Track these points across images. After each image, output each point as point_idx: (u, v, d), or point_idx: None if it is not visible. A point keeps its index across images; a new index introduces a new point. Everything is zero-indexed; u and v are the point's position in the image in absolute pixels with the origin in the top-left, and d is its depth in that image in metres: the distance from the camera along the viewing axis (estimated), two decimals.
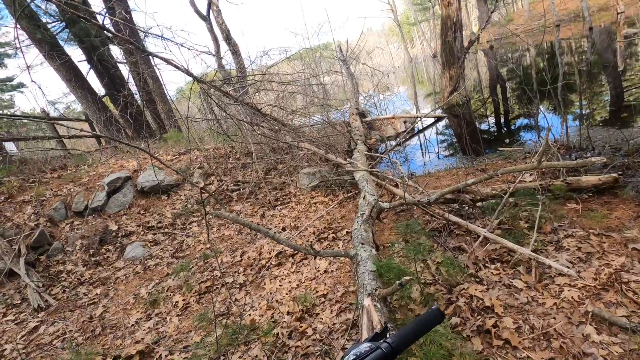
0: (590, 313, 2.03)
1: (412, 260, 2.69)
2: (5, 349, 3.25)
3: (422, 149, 7.27)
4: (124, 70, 11.37)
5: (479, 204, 3.57)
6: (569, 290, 2.24)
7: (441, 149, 7.08)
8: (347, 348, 2.34)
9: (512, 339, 2.02)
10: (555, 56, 13.00)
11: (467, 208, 3.68)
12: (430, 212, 3.29)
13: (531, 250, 2.53)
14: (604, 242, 2.59)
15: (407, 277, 1.75)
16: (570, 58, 11.95)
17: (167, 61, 4.07)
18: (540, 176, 3.76)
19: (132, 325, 3.25)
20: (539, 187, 3.06)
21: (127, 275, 4.24)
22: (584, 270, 2.36)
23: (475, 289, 2.42)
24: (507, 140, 6.21)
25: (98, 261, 4.64)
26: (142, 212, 5.76)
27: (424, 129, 8.68)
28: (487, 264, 2.69)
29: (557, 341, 1.94)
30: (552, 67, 10.25)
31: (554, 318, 2.09)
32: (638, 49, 10.09)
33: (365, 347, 0.70)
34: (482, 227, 3.00)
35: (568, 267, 2.37)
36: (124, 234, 5.16)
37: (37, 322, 3.58)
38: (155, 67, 10.97)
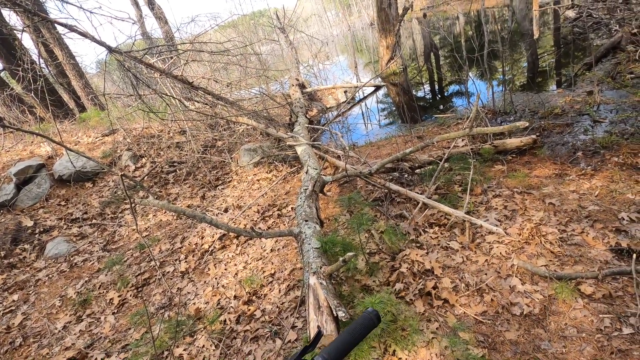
0: (516, 266, 2.22)
1: (357, 231, 2.72)
2: None
3: (363, 119, 7.33)
4: (28, 40, 9.74)
5: (417, 171, 3.69)
6: (497, 247, 2.42)
7: (381, 117, 7.20)
8: (296, 326, 2.33)
9: (450, 297, 2.15)
10: (482, 24, 13.71)
11: (406, 176, 3.79)
12: (372, 182, 3.33)
13: (465, 213, 2.68)
14: (526, 200, 2.83)
15: (351, 254, 1.73)
16: (494, 26, 12.67)
17: (72, 28, 3.48)
18: (471, 141, 3.98)
19: (60, 330, 2.92)
20: (470, 152, 3.22)
21: (50, 276, 3.79)
22: (510, 227, 2.57)
23: (417, 254, 2.52)
24: (441, 107, 6.49)
25: (12, 263, 4.07)
26: (62, 203, 5.14)
27: (364, 98, 8.73)
28: (426, 229, 2.81)
29: (488, 295, 2.10)
30: (479, 35, 10.80)
31: (486, 274, 2.26)
32: (550, 18, 10.95)
33: None
34: (420, 194, 3.11)
35: (496, 226, 2.55)
36: (42, 229, 4.57)
37: None
38: (63, 37, 9.51)
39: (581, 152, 3.26)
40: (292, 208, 3.82)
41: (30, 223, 4.63)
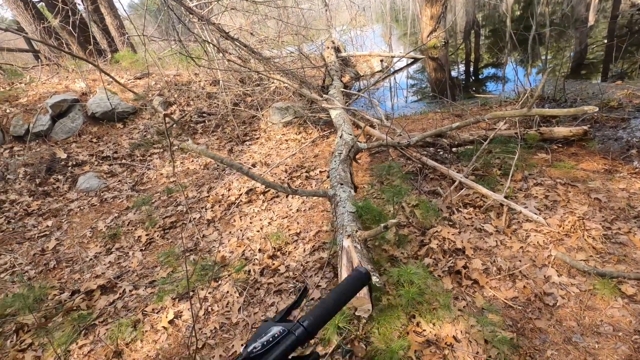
0: (553, 257, 2.15)
1: (389, 202, 2.67)
2: None
3: (391, 91, 7.06)
4: None
5: (454, 149, 3.56)
6: (535, 236, 2.34)
7: (413, 92, 6.94)
8: (320, 285, 2.35)
9: (480, 279, 2.11)
10: (532, 5, 12.71)
11: (441, 153, 3.67)
12: (407, 155, 3.23)
13: (503, 197, 2.58)
14: (570, 192, 2.70)
15: (393, 221, 1.69)
16: (545, 8, 11.72)
17: None
18: (514, 125, 3.79)
19: (91, 259, 3.06)
20: (518, 135, 3.06)
21: (82, 208, 3.94)
22: (550, 217, 2.47)
23: (448, 232, 2.47)
24: (474, 89, 6.19)
25: (46, 191, 4.24)
26: (94, 140, 5.24)
27: (400, 69, 8.38)
28: (460, 209, 2.74)
29: (521, 282, 2.06)
30: (526, 16, 10.06)
31: (520, 261, 2.20)
32: (608, 4, 10.02)
33: (276, 330, 0.58)
34: (457, 173, 3.00)
35: (536, 214, 2.45)
36: (74, 163, 4.70)
37: None
38: None
39: (636, 150, 3.06)
40: (320, 171, 3.78)
41: (63, 155, 4.76)
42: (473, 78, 7.26)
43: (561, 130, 3.39)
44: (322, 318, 0.63)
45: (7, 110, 5.19)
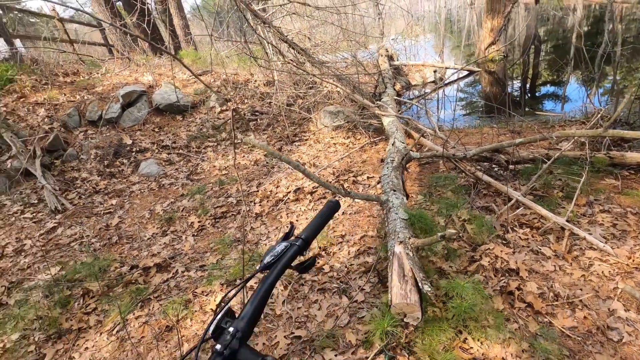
0: (620, 290, 2.00)
1: (439, 214, 2.62)
2: (25, 244, 3.35)
3: (438, 103, 6.88)
4: None
5: (511, 166, 3.41)
6: (599, 265, 2.19)
7: (463, 105, 6.74)
8: (364, 289, 2.37)
9: (535, 303, 2.01)
10: (603, 21, 11.86)
11: (496, 169, 3.53)
12: (461, 168, 3.15)
13: (565, 220, 2.44)
14: None
15: (452, 231, 1.67)
16: (618, 25, 10.86)
17: None
18: (579, 146, 3.56)
19: (149, 238, 3.30)
20: (586, 157, 2.88)
21: (142, 191, 4.25)
22: (618, 248, 2.29)
23: (501, 251, 2.38)
24: (530, 107, 5.89)
25: (112, 173, 4.62)
26: (156, 129, 5.64)
27: (453, 81, 8.17)
28: (515, 228, 2.62)
29: (581, 312, 1.93)
30: (595, 33, 9.41)
31: (581, 290, 2.06)
32: None
33: (281, 246, 0.78)
34: (513, 190, 2.88)
35: (602, 242, 2.29)
36: (138, 149, 5.09)
37: (54, 223, 3.65)
38: None
39: None
40: (367, 177, 3.79)
41: (129, 141, 5.17)
42: (529, 95, 6.91)
43: (635, 156, 3.13)
44: (313, 233, 0.83)
45: (85, 97, 5.74)
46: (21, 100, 5.38)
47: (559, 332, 1.86)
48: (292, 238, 0.81)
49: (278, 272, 0.73)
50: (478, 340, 1.84)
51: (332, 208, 0.90)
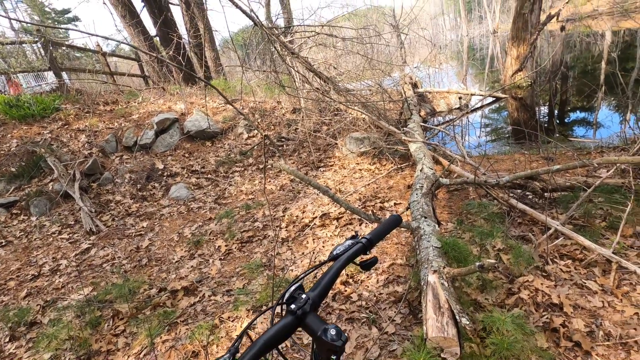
0: None
1: (474, 242, 2.52)
2: (61, 264, 3.47)
3: (463, 130, 6.80)
4: (177, 12, 11.27)
5: (546, 194, 3.28)
6: None
7: (488, 131, 6.63)
8: (395, 320, 2.27)
9: (583, 342, 1.86)
10: (634, 46, 11.56)
11: (530, 196, 3.40)
12: (493, 195, 3.05)
13: (612, 252, 2.29)
14: None
15: (491, 261, 1.59)
16: None
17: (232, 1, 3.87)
18: (619, 174, 3.39)
19: (177, 261, 3.34)
20: (631, 185, 2.73)
21: (172, 214, 4.36)
22: None
23: (542, 283, 2.24)
24: (559, 133, 5.72)
25: (144, 196, 4.79)
26: (186, 155, 5.85)
27: (479, 107, 8.10)
28: (555, 259, 2.48)
29: (637, 353, 1.76)
30: (625, 58, 9.17)
31: (635, 329, 1.89)
32: None
33: (348, 243, 0.88)
34: (551, 219, 2.75)
35: None
36: (169, 173, 5.27)
37: (89, 244, 3.78)
38: (207, 10, 10.68)
39: None
40: (394, 204, 3.74)
41: (161, 166, 5.38)
42: (558, 121, 6.73)
43: None
44: (377, 237, 0.91)
45: (122, 124, 6.07)
46: (65, 127, 5.76)
47: None
48: (360, 238, 0.91)
49: (344, 261, 0.83)
50: None
51: (395, 221, 0.98)
